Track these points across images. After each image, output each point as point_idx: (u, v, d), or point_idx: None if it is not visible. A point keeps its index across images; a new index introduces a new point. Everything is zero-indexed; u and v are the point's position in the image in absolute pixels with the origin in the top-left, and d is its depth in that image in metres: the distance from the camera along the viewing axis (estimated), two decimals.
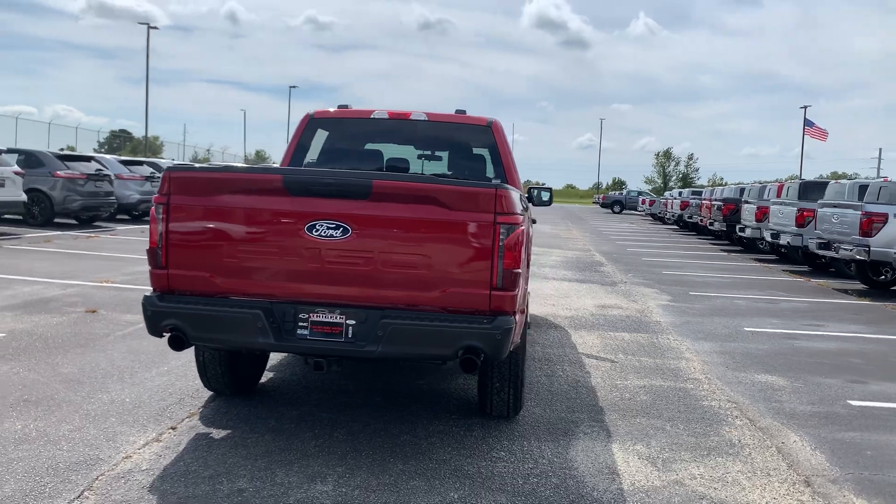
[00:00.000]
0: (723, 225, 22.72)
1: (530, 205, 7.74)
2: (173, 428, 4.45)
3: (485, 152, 5.95)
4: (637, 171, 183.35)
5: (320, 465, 4.00)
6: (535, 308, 9.36)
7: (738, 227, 20.59)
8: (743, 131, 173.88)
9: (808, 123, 53.42)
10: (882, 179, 13.26)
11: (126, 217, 21.20)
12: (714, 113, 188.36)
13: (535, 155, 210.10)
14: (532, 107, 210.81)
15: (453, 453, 4.27)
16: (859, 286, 12.98)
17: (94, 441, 4.15)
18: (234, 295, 4.02)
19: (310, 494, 3.63)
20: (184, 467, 3.87)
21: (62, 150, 29.85)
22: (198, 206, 4.01)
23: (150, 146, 67.99)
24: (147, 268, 4.10)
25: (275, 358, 6.06)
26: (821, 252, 13.64)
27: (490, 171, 5.84)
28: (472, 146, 6.06)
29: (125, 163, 22.23)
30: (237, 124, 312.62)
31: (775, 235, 16.73)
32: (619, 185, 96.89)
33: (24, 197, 15.54)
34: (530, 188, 7.85)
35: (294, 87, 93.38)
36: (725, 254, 19.92)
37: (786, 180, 25.71)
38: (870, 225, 11.79)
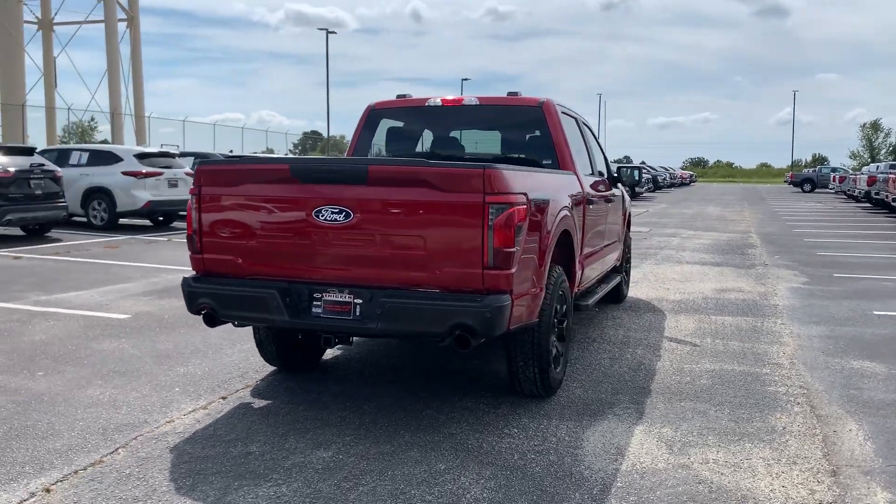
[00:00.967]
0: None
1: (620, 184, 7.63)
2: (224, 398, 4.90)
3: (537, 132, 5.95)
4: (843, 146, 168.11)
5: (332, 434, 4.26)
6: (643, 292, 9.10)
7: None
8: None
9: None
10: None
11: None
12: None
13: (729, 132, 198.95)
14: (724, 82, 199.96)
15: (466, 428, 4.37)
16: None
17: (150, 407, 4.69)
18: (257, 276, 4.40)
19: (307, 459, 3.90)
20: (211, 431, 4.29)
21: (231, 152, 32.36)
22: (223, 196, 4.43)
23: (337, 145, 72.45)
24: None
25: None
26: None
27: (542, 151, 5.82)
28: (524, 127, 6.08)
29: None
30: None
31: None
32: (819, 161, 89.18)
33: None
34: (619, 167, 7.76)
35: (466, 79, 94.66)
36: None
37: None
38: None
